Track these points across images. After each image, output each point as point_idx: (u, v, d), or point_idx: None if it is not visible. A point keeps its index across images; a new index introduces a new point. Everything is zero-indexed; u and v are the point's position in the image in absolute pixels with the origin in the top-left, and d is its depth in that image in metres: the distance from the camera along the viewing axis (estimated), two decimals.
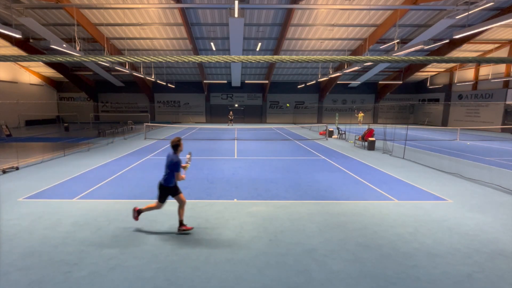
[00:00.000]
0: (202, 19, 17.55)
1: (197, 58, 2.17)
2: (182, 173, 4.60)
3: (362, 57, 2.23)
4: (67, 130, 21.49)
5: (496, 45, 21.54)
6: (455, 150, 13.17)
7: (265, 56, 2.19)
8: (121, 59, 2.23)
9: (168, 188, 4.57)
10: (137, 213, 4.77)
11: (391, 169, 9.20)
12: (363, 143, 14.06)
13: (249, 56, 2.17)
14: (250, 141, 16.20)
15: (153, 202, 4.76)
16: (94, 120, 30.83)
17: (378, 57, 2.44)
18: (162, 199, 4.64)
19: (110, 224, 4.96)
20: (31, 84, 26.65)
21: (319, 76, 24.04)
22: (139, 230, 4.73)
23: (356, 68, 17.79)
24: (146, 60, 2.16)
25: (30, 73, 26.57)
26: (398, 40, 18.37)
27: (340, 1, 14.98)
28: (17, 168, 8.77)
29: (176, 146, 4.65)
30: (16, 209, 5.60)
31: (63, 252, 4.02)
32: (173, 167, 4.49)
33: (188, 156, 4.92)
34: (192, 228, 4.74)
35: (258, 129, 24.26)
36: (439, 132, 22.93)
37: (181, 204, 4.67)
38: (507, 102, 22.41)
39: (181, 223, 4.68)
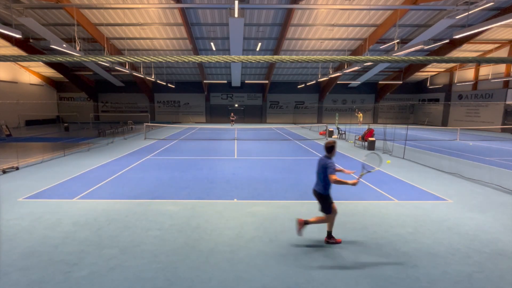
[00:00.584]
0: (202, 19, 17.54)
1: (197, 58, 2.17)
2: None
3: (362, 57, 2.23)
4: (67, 130, 21.49)
5: (496, 45, 21.54)
6: (455, 150, 13.17)
7: (265, 56, 2.19)
8: (121, 59, 2.23)
9: (328, 196, 4.17)
10: (303, 224, 4.28)
11: (391, 169, 9.20)
12: (363, 143, 14.06)
13: (249, 56, 2.17)
14: (250, 141, 16.20)
15: (321, 215, 4.29)
16: (94, 120, 30.83)
17: (378, 57, 2.44)
18: (328, 209, 4.19)
19: (110, 224, 4.95)
20: (31, 84, 26.65)
21: (319, 76, 24.03)
22: (139, 230, 4.73)
23: (356, 68, 17.79)
24: (146, 60, 2.16)
25: (30, 73, 26.57)
26: (398, 40, 18.37)
27: (340, 1, 14.98)
28: (17, 168, 8.77)
29: (331, 148, 4.19)
30: (16, 209, 5.60)
31: (63, 252, 4.02)
32: (328, 170, 4.01)
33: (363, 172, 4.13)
34: (340, 241, 4.33)
35: (258, 129, 24.26)
36: (439, 132, 22.93)
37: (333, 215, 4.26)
38: (507, 102, 22.40)
39: (329, 235, 4.30)
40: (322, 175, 4.12)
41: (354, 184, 3.98)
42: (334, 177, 3.94)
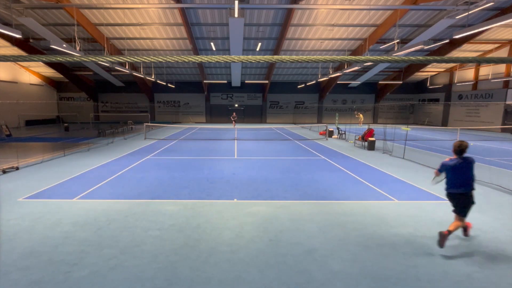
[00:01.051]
0: (202, 19, 17.54)
1: (197, 58, 2.17)
2: None
3: (362, 57, 2.23)
4: (67, 130, 21.49)
5: (496, 45, 21.53)
6: None
7: (265, 56, 2.19)
8: (121, 59, 2.23)
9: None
10: (446, 236, 4.02)
11: (391, 169, 9.20)
12: (363, 143, 14.06)
13: (249, 56, 2.17)
14: (250, 141, 16.20)
15: (460, 220, 4.22)
16: (94, 120, 30.82)
17: (378, 57, 2.44)
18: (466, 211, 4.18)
19: (110, 224, 4.95)
20: (31, 84, 26.65)
21: (319, 76, 24.03)
22: (139, 230, 4.73)
23: (356, 68, 17.79)
24: (146, 60, 2.16)
25: (30, 73, 26.57)
26: (398, 40, 18.37)
27: (340, 1, 14.98)
28: (17, 168, 8.77)
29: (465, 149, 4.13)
30: (16, 209, 5.60)
31: (63, 252, 4.02)
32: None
33: None
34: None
35: (258, 129, 24.25)
36: (439, 132, 22.93)
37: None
38: (507, 102, 22.40)
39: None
40: (471, 173, 4.15)
41: None
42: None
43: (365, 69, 26.18)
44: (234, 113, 27.35)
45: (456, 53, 21.77)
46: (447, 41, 15.69)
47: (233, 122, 26.65)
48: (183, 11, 16.22)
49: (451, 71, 28.19)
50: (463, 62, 2.22)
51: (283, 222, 5.09)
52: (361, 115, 27.17)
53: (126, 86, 30.97)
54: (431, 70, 28.55)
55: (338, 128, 18.70)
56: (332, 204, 6.05)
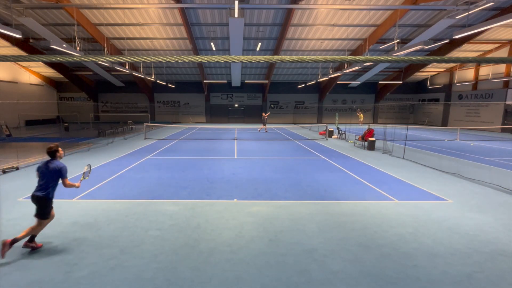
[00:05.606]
0: (202, 19, 17.54)
1: (197, 58, 2.17)
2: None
3: (362, 57, 2.23)
4: (67, 130, 21.48)
5: (496, 45, 21.53)
6: (455, 150, 13.17)
7: (265, 56, 2.19)
8: (121, 59, 2.23)
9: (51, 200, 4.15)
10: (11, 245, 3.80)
11: (391, 169, 9.20)
12: (363, 143, 14.06)
13: (249, 56, 2.17)
14: (250, 141, 16.19)
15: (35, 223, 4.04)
16: (94, 120, 30.82)
17: (378, 57, 2.44)
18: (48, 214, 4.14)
19: (110, 224, 4.95)
20: (31, 84, 26.65)
21: (319, 76, 24.03)
22: (139, 230, 4.73)
23: (356, 68, 17.78)
24: (146, 60, 2.16)
25: (30, 73, 26.56)
26: (398, 40, 18.35)
27: (340, 1, 14.98)
28: (17, 168, 8.77)
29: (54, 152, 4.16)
30: (16, 209, 5.60)
31: (63, 252, 4.02)
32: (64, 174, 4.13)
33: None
34: (41, 246, 4.11)
35: (258, 129, 24.22)
36: (439, 132, 22.93)
37: None
38: (507, 102, 22.40)
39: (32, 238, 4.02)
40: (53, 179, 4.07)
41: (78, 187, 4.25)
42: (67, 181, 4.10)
43: (365, 69, 26.18)
44: (266, 114, 21.79)
45: (456, 53, 21.76)
46: (447, 41, 15.69)
47: (264, 124, 21.28)
48: (183, 11, 16.22)
49: (451, 71, 28.19)
50: (463, 62, 2.22)
51: (283, 222, 5.09)
52: (361, 114, 27.19)
53: (126, 86, 30.96)
54: (431, 70, 28.55)
55: (338, 128, 18.70)
56: (332, 204, 6.05)
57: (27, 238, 4.04)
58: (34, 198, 4.02)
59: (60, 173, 4.06)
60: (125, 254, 3.99)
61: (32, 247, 4.05)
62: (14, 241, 3.87)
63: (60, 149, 4.25)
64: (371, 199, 6.35)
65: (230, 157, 11.26)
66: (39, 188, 4.02)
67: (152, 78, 21.67)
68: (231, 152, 12.30)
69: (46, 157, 4.21)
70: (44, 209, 4.04)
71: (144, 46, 21.35)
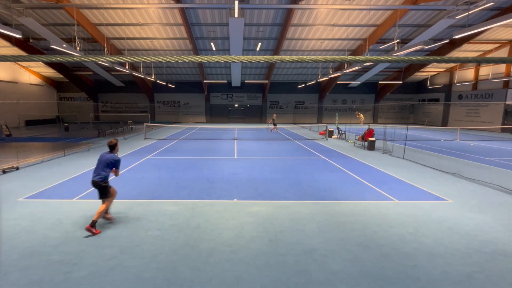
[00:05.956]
0: (202, 19, 17.54)
1: (197, 58, 2.17)
2: None
3: (362, 57, 2.23)
4: (67, 130, 21.48)
5: (496, 45, 21.53)
6: (455, 150, 13.17)
7: (265, 56, 2.19)
8: (121, 59, 2.23)
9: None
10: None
11: (391, 169, 9.20)
12: (363, 143, 14.06)
13: (249, 56, 2.17)
14: (250, 141, 16.19)
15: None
16: (94, 120, 30.82)
17: (378, 57, 2.44)
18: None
19: (110, 224, 4.95)
20: (31, 84, 26.64)
21: (319, 76, 24.03)
22: (139, 230, 4.73)
23: (356, 68, 17.78)
24: (146, 60, 2.16)
25: (30, 73, 26.56)
26: (398, 40, 18.36)
27: (340, 1, 14.98)
28: (17, 168, 8.77)
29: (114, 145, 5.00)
30: (16, 209, 5.60)
31: (63, 252, 4.02)
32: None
33: None
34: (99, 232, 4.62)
35: (258, 129, 24.25)
36: (439, 132, 22.93)
37: None
38: (507, 102, 22.40)
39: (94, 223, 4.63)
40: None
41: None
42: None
43: (365, 69, 26.18)
44: (274, 115, 23.19)
45: (456, 53, 21.76)
46: (447, 41, 15.69)
47: (275, 126, 21.76)
48: (183, 11, 16.21)
49: (451, 71, 28.19)
50: (463, 62, 2.21)
51: (283, 222, 5.09)
52: (361, 115, 27.17)
53: (126, 86, 30.96)
54: (431, 70, 28.54)
55: (338, 128, 18.70)
56: (332, 204, 6.05)
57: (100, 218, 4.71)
58: (93, 183, 4.76)
59: (115, 164, 4.83)
60: (125, 254, 3.99)
61: (92, 232, 4.54)
62: (93, 223, 4.55)
63: (118, 144, 4.99)
64: (371, 199, 6.35)
65: (230, 157, 11.26)
66: (96, 174, 4.76)
67: (152, 78, 21.67)
68: (231, 152, 12.30)
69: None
70: (103, 190, 4.77)
71: (144, 46, 21.35)
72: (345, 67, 19.32)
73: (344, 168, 9.33)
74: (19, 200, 6.12)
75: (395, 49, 16.34)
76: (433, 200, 6.35)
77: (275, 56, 2.19)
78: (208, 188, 7.08)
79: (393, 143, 14.57)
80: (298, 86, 29.65)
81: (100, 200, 4.84)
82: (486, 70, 24.38)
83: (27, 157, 10.57)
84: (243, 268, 3.69)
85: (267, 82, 27.33)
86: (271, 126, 22.61)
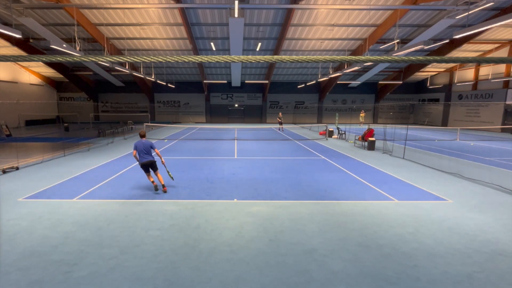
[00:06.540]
0: (202, 19, 17.54)
1: (197, 58, 2.17)
2: None
3: (362, 57, 2.23)
4: (67, 130, 21.48)
5: (496, 45, 21.53)
6: (455, 150, 13.17)
7: (265, 56, 2.19)
8: (121, 59, 2.23)
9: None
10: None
11: (391, 169, 9.20)
12: (363, 143, 14.06)
13: (249, 56, 2.17)
14: (250, 141, 16.19)
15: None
16: (94, 120, 30.81)
17: (378, 57, 2.44)
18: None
19: (110, 224, 4.96)
20: (31, 84, 26.64)
21: (319, 76, 24.02)
22: (139, 230, 4.73)
23: (356, 68, 17.78)
24: (146, 60, 2.16)
25: (30, 73, 26.56)
26: (398, 40, 18.35)
27: (340, 1, 14.98)
28: (17, 168, 8.77)
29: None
30: (16, 209, 5.60)
31: (63, 252, 4.02)
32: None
33: None
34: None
35: (258, 129, 24.25)
36: (439, 132, 22.93)
37: None
38: (507, 102, 22.39)
39: None
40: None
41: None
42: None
43: (365, 69, 26.17)
44: (280, 114, 23.93)
45: (456, 53, 21.76)
46: (447, 41, 15.70)
47: (281, 125, 22.77)
48: (183, 11, 16.21)
49: (451, 71, 28.19)
50: (463, 62, 2.21)
51: (283, 222, 5.09)
52: (363, 114, 27.27)
53: (126, 86, 30.96)
54: (431, 70, 28.54)
55: (338, 128, 18.70)
56: (332, 204, 6.05)
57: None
58: (148, 162, 6.54)
59: (153, 146, 6.69)
60: (125, 254, 3.99)
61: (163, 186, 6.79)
62: (157, 187, 6.71)
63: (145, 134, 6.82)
64: (371, 199, 6.35)
65: (230, 157, 11.26)
66: (146, 156, 6.52)
67: (152, 78, 21.66)
68: (231, 152, 12.30)
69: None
70: (155, 164, 6.72)
71: (144, 46, 21.35)
72: (345, 67, 19.32)
73: (344, 168, 9.33)
74: (19, 200, 6.12)
75: (395, 49, 16.33)
76: (433, 200, 6.35)
77: (275, 56, 2.19)
78: (208, 188, 7.08)
79: (393, 143, 14.57)
80: (298, 86, 29.64)
81: (151, 173, 6.76)
82: (486, 70, 24.37)
83: (27, 157, 10.57)
84: (243, 268, 3.69)
85: (267, 82, 27.33)
86: (279, 125, 22.97)
